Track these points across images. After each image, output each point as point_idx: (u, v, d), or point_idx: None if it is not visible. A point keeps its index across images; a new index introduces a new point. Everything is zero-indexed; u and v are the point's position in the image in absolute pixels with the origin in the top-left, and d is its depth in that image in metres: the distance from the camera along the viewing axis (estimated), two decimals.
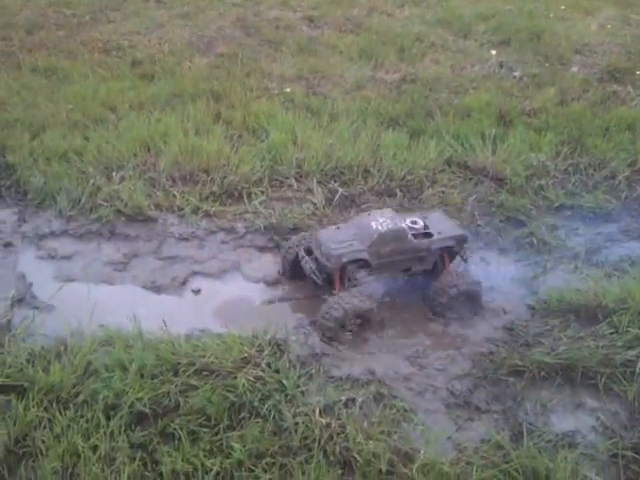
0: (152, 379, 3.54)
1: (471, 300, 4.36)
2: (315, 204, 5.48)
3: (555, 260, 4.93)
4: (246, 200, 5.55)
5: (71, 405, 3.39)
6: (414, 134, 6.32)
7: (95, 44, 8.41)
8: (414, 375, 3.88)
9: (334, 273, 4.19)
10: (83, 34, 8.71)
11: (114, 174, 5.70)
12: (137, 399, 3.37)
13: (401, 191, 5.61)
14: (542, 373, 3.84)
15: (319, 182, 5.73)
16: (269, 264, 4.93)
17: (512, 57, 8.46)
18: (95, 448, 3.15)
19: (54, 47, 8.26)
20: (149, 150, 6.08)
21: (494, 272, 4.83)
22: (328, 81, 7.78)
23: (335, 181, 5.78)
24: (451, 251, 4.50)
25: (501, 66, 8.19)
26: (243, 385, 3.50)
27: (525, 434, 3.44)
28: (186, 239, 5.20)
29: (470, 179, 5.84)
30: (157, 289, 4.64)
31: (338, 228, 4.46)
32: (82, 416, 3.31)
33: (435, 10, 10.08)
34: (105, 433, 3.21)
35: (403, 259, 4.36)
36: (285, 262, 4.70)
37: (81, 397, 3.44)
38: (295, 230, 5.22)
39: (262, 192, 5.65)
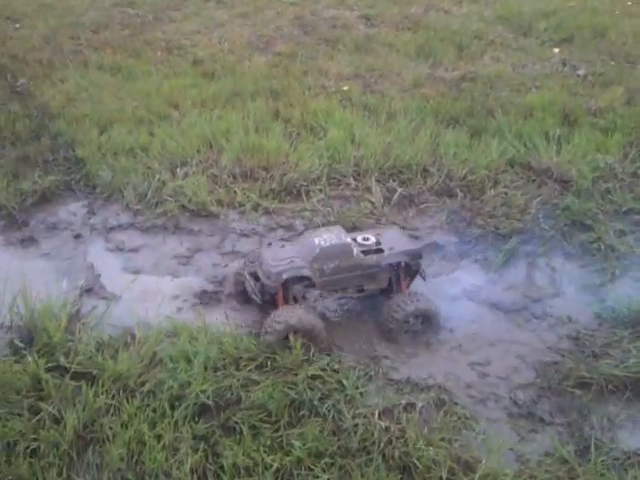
0: (215, 372, 3.61)
1: (426, 322, 4.09)
2: (373, 203, 5.47)
3: (623, 267, 4.75)
4: (304, 198, 5.58)
5: (137, 394, 3.48)
6: (475, 133, 6.23)
7: (158, 43, 8.64)
8: (476, 382, 3.82)
9: (276, 291, 3.99)
10: (146, 33, 8.95)
11: (178, 170, 5.84)
12: (201, 391, 3.43)
13: (461, 191, 5.53)
14: (610, 386, 3.68)
15: (377, 181, 5.72)
16: None
17: (575, 55, 8.25)
18: (159, 437, 3.22)
19: (119, 46, 8.52)
20: (211, 147, 6.20)
21: (558, 278, 4.70)
22: (385, 79, 7.76)
23: (394, 180, 5.76)
24: (409, 270, 4.21)
25: (564, 64, 7.99)
26: (303, 382, 3.52)
27: (592, 450, 3.31)
28: (247, 235, 5.27)
29: (533, 180, 5.70)
30: (219, 283, 4.71)
31: (283, 246, 4.28)
32: (148, 405, 3.40)
33: (494, 7, 9.91)
34: (169, 423, 3.29)
35: (351, 276, 4.08)
36: (236, 285, 4.45)
37: (147, 386, 3.54)
38: (354, 229, 5.23)
39: (320, 190, 5.68)
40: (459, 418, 3.51)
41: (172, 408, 3.38)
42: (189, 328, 3.92)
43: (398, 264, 4.16)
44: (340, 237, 4.09)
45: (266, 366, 3.67)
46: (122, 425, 3.29)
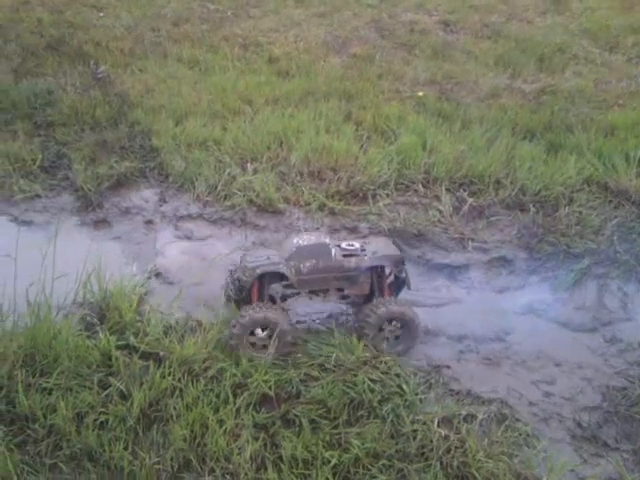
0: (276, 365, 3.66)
1: (405, 329, 3.95)
2: (441, 212, 5.42)
3: None
4: (371, 201, 5.58)
5: (201, 378, 3.56)
6: (552, 148, 6.09)
7: (235, 39, 8.78)
8: (539, 401, 3.74)
9: (250, 287, 3.95)
10: (225, 29, 9.12)
11: (248, 165, 5.93)
12: (263, 381, 3.48)
13: (534, 207, 5.40)
14: None
15: (447, 189, 5.65)
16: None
17: None
18: (221, 422, 3.29)
19: (198, 40, 8.70)
20: (281, 145, 6.27)
21: (631, 303, 4.55)
22: (462, 87, 7.66)
23: (464, 190, 5.68)
24: (396, 278, 4.15)
25: None
26: (363, 383, 3.52)
27: None
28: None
29: (610, 201, 5.52)
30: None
31: (265, 247, 4.27)
32: (211, 390, 3.48)
33: (579, 20, 9.64)
34: (232, 410, 3.35)
35: (329, 277, 3.99)
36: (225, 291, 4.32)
37: (210, 372, 3.62)
38: (419, 236, 5.21)
39: (387, 195, 5.67)
40: (520, 434, 3.46)
41: (234, 395, 3.44)
42: None
43: (380, 269, 4.07)
44: (320, 239, 4.06)
45: (327, 363, 3.69)
46: (186, 407, 3.38)
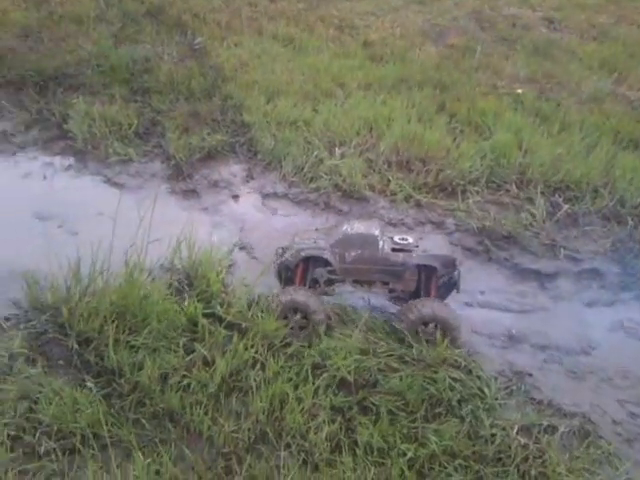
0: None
1: (445, 332, 3.73)
2: (534, 215, 5.23)
3: None
4: (460, 197, 5.46)
5: (281, 354, 3.60)
6: None
7: (331, 20, 8.74)
8: (624, 420, 3.58)
9: (295, 269, 3.98)
10: (321, 9, 9.09)
11: (336, 149, 5.90)
12: (343, 365, 3.48)
13: (632, 220, 5.15)
14: None
15: (542, 193, 5.45)
16: (479, 270, 4.79)
17: None
18: (300, 400, 3.31)
19: (293, 18, 8.71)
20: (371, 131, 6.21)
21: None
22: (562, 88, 7.37)
23: (559, 195, 5.47)
24: (449, 280, 3.98)
25: None
26: (444, 381, 3.47)
27: None
28: (394, 224, 5.25)
29: None
30: None
31: (317, 229, 4.24)
32: (291, 367, 3.50)
33: None
34: (310, 389, 3.36)
35: (373, 269, 3.93)
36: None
37: (290, 349, 3.64)
38: (508, 238, 5.06)
39: (477, 192, 5.53)
40: (602, 452, 3.33)
41: (313, 375, 3.46)
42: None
43: (429, 268, 3.93)
44: (370, 229, 3.96)
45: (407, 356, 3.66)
46: (266, 380, 3.41)
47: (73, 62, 6.91)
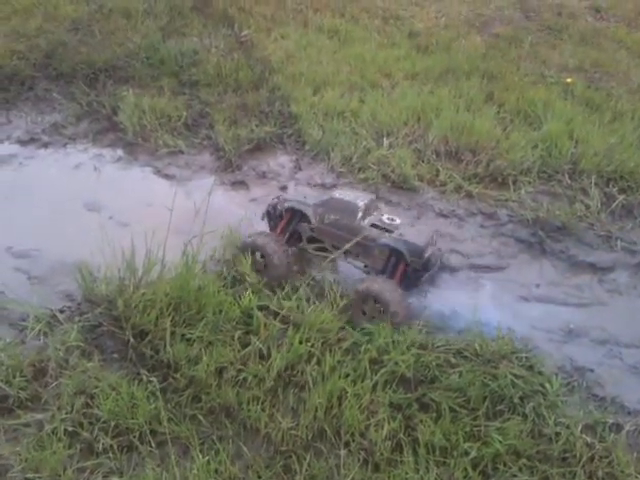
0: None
1: (383, 307, 3.71)
2: (588, 207, 5.08)
3: None
4: (511, 187, 5.34)
5: (336, 349, 3.55)
6: None
7: (376, 11, 8.63)
8: None
9: (280, 218, 4.31)
10: (365, 0, 8.97)
11: (384, 139, 5.83)
12: (402, 360, 3.42)
13: None
14: None
15: (595, 183, 5.29)
16: (533, 262, 4.67)
17: None
18: (358, 397, 3.26)
19: (338, 10, 8.62)
20: (419, 121, 6.11)
21: None
22: (611, 77, 7.15)
23: (613, 186, 5.31)
24: (417, 271, 3.95)
25: None
26: (505, 377, 3.38)
27: None
28: (445, 216, 5.16)
29: None
30: None
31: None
32: (347, 362, 3.46)
33: None
34: (368, 385, 3.32)
35: (346, 237, 4.01)
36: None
37: (345, 344, 3.60)
38: (562, 229, 4.92)
39: (529, 182, 5.40)
40: None
41: (371, 371, 3.41)
42: None
43: (397, 252, 3.93)
44: (357, 199, 4.12)
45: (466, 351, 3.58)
46: (323, 376, 3.37)
47: (122, 55, 6.97)
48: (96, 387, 3.25)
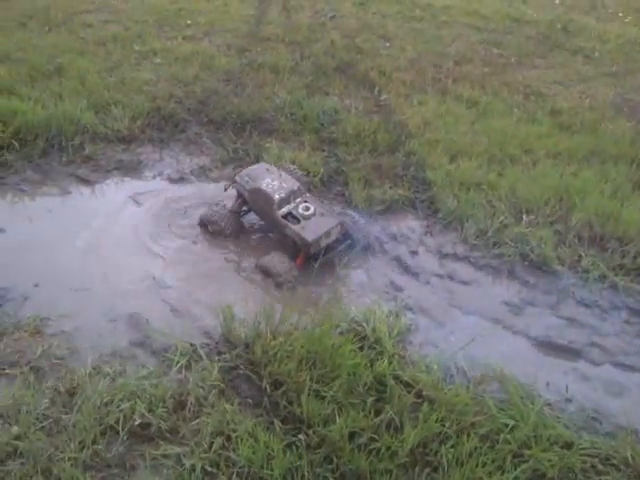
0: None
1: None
2: None
3: None
4: None
5: (472, 433, 3.36)
6: None
7: (517, 86, 8.55)
8: None
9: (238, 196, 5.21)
10: (507, 75, 8.93)
11: (523, 216, 5.65)
12: (545, 459, 3.17)
13: None
14: None
15: None
16: None
17: None
18: None
19: (478, 81, 8.63)
20: (561, 201, 5.89)
21: None
22: None
23: None
24: (320, 252, 4.70)
25: None
26: None
27: None
28: (587, 305, 4.87)
29: None
30: (557, 347, 4.40)
31: (267, 170, 5.20)
32: (484, 451, 3.24)
33: None
34: None
35: (267, 222, 5.06)
36: None
37: (482, 430, 3.39)
38: None
39: None
40: None
41: (511, 464, 3.18)
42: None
43: (294, 241, 4.77)
44: (277, 192, 4.88)
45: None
46: (457, 460, 3.19)
47: (269, 108, 7.30)
48: (233, 430, 3.24)
